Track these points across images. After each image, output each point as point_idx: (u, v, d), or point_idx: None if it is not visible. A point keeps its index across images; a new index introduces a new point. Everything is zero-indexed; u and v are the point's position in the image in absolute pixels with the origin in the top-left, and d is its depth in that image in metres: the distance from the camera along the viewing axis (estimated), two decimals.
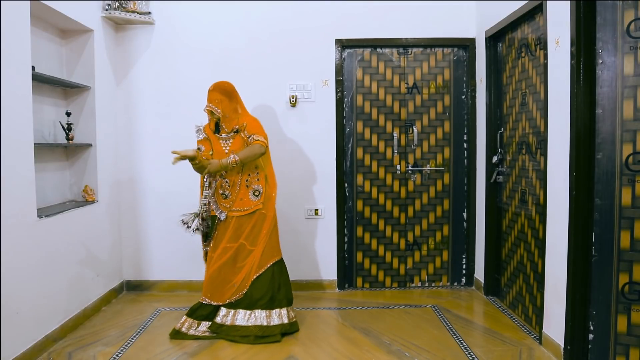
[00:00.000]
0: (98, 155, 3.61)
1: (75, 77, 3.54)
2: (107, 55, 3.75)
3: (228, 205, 3.14)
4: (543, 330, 2.87)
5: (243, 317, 3.06)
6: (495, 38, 3.67)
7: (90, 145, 3.57)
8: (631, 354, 2.36)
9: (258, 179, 3.17)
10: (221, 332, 3.04)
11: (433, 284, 4.13)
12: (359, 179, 4.05)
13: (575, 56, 2.45)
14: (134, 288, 4.03)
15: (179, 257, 4.01)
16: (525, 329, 3.15)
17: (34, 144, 2.85)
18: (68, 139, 3.39)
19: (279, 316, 3.09)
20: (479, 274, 3.95)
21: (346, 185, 4.03)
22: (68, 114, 3.42)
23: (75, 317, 3.22)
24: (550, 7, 2.74)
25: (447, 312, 3.50)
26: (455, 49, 4.02)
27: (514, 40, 3.37)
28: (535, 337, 3.00)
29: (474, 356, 2.76)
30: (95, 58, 3.56)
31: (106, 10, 3.63)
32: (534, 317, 3.11)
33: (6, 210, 2.53)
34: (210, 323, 3.10)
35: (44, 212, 2.98)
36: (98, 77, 3.61)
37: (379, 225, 4.07)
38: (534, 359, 2.73)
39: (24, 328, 2.68)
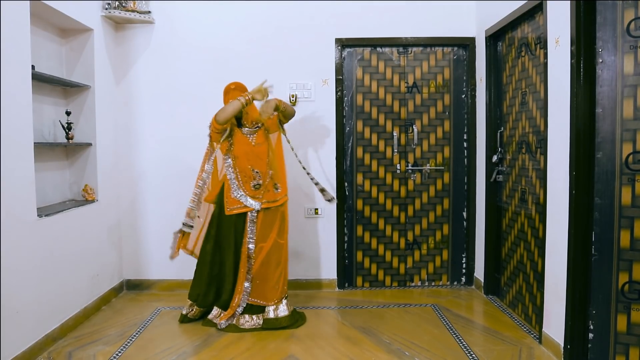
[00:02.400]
0: (98, 155, 3.61)
1: (75, 76, 3.53)
2: (106, 55, 3.75)
3: (260, 196, 3.23)
4: (543, 329, 2.87)
5: (284, 309, 3.25)
6: (495, 37, 3.67)
7: (90, 144, 3.57)
8: (631, 353, 2.36)
9: (277, 174, 3.34)
10: (266, 324, 3.19)
11: (433, 283, 4.13)
12: (359, 178, 4.05)
13: (575, 55, 2.45)
14: (133, 287, 4.03)
15: (179, 257, 3.99)
16: (525, 328, 3.15)
17: (34, 143, 2.85)
18: (68, 138, 3.39)
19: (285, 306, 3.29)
20: (479, 273, 3.95)
21: (346, 184, 4.03)
22: (68, 113, 3.41)
23: (75, 316, 3.22)
24: (550, 6, 2.74)
25: (447, 311, 3.50)
26: (455, 48, 4.02)
27: (514, 39, 3.37)
28: (535, 336, 3.00)
29: (473, 355, 2.76)
30: (95, 57, 3.56)
31: (106, 9, 3.63)
32: (534, 316, 3.11)
33: (6, 209, 2.53)
34: (256, 316, 3.23)
35: (43, 212, 2.98)
36: (98, 77, 3.61)
37: (379, 224, 4.07)
38: (534, 358, 2.74)
39: (24, 327, 2.68)
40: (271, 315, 3.19)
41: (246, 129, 3.28)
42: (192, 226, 3.22)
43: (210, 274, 3.26)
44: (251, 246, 3.19)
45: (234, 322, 3.19)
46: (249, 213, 3.20)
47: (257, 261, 3.20)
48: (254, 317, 3.21)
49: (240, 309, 3.20)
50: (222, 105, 3.22)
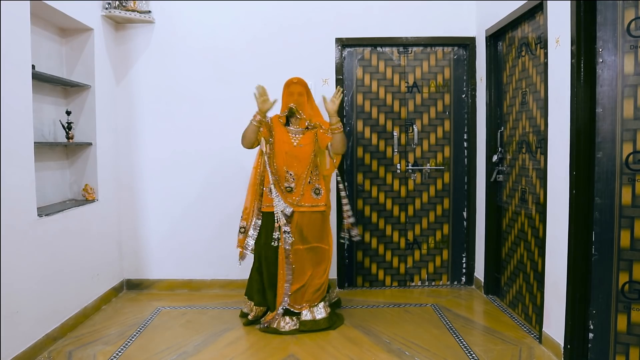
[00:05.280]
0: (98, 154, 3.61)
1: (75, 76, 3.54)
2: (107, 54, 3.75)
3: (293, 200, 3.18)
4: (543, 329, 2.87)
5: (322, 311, 3.19)
6: (495, 37, 3.66)
7: (90, 144, 3.57)
8: (631, 353, 2.36)
9: (317, 178, 3.24)
10: (303, 326, 3.12)
11: (433, 283, 4.13)
12: (359, 178, 4.05)
13: (576, 55, 2.45)
14: (134, 287, 4.03)
15: (178, 256, 4.01)
16: (525, 328, 3.15)
17: (34, 142, 2.85)
18: (68, 137, 3.39)
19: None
20: (479, 273, 3.95)
21: (346, 184, 4.03)
22: (68, 113, 3.41)
23: (75, 316, 3.22)
24: (550, 6, 2.74)
25: (447, 311, 3.50)
26: (456, 48, 4.02)
27: (514, 39, 3.37)
28: (535, 336, 3.00)
29: (473, 355, 2.76)
30: (95, 57, 3.56)
31: (106, 9, 3.63)
32: (534, 316, 3.11)
33: (6, 209, 2.53)
34: (295, 319, 3.17)
35: (44, 211, 2.98)
36: (98, 76, 3.61)
37: (379, 224, 4.07)
38: (534, 357, 2.74)
39: (24, 327, 2.68)
40: (308, 317, 3.13)
41: (293, 127, 3.24)
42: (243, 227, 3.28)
43: (257, 269, 3.28)
44: (287, 247, 3.12)
45: (275, 325, 3.13)
46: (282, 214, 3.15)
47: (293, 264, 3.15)
48: (288, 319, 3.14)
49: (280, 310, 3.14)
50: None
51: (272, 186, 3.16)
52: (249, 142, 3.16)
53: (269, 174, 3.18)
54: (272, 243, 3.13)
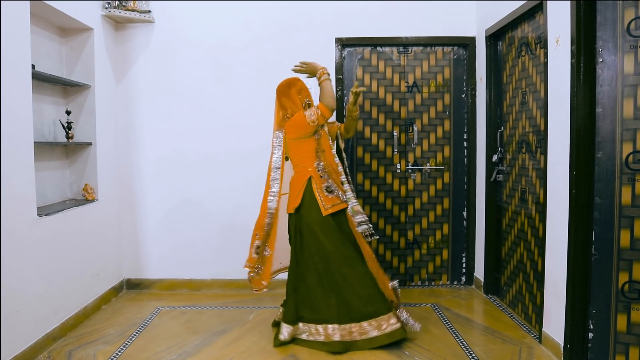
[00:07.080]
0: (98, 154, 3.61)
1: (75, 75, 3.54)
2: (107, 54, 3.75)
3: (348, 193, 3.07)
4: (543, 329, 2.87)
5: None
6: (495, 37, 3.66)
7: (90, 143, 3.57)
8: (631, 353, 2.36)
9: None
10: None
11: (433, 283, 4.13)
12: (359, 177, 4.05)
13: (576, 55, 2.45)
14: (134, 287, 4.03)
15: (178, 256, 4.01)
16: (525, 327, 3.15)
17: (34, 142, 2.85)
18: (68, 137, 3.39)
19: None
20: (479, 272, 3.95)
21: None
22: (68, 113, 3.42)
23: (75, 315, 3.22)
24: (550, 6, 2.74)
25: (446, 310, 3.50)
26: (456, 48, 4.02)
27: (514, 39, 3.37)
28: (535, 335, 3.00)
29: (473, 355, 2.76)
30: (95, 57, 3.56)
31: (106, 8, 3.63)
32: (534, 315, 3.11)
33: (6, 208, 2.53)
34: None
35: (44, 211, 2.98)
36: (98, 76, 3.61)
37: (379, 223, 4.07)
38: (534, 357, 2.74)
39: (23, 327, 2.68)
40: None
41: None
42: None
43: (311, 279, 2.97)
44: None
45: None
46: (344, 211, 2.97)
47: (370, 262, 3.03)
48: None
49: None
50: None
51: (331, 183, 2.95)
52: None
53: (326, 170, 2.96)
54: (367, 238, 2.96)
